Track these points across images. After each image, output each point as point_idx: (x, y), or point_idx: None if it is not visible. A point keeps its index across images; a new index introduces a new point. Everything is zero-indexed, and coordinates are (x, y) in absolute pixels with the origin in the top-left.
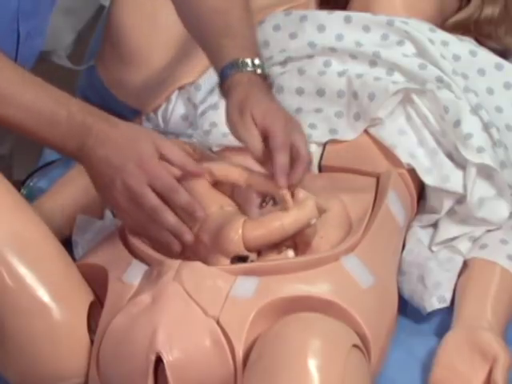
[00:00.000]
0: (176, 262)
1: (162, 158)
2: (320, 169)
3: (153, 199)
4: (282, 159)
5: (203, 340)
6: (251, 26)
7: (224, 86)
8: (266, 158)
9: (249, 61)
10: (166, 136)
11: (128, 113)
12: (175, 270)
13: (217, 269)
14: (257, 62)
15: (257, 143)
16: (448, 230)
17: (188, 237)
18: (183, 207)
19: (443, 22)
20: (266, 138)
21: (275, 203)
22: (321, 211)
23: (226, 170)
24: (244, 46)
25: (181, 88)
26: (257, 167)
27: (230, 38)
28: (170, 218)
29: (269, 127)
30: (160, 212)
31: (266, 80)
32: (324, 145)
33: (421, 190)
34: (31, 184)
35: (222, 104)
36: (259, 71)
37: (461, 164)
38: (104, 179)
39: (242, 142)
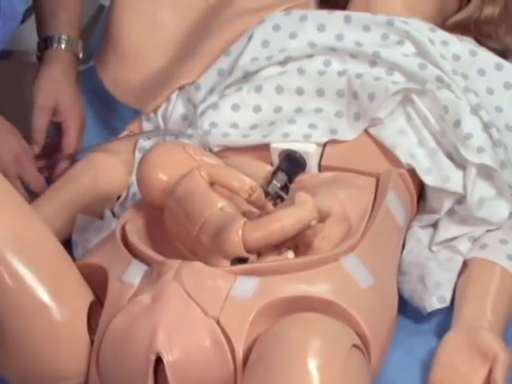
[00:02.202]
0: (176, 262)
1: None
2: (320, 169)
3: None
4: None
5: (203, 340)
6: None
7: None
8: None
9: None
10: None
11: (128, 113)
12: (175, 270)
13: (217, 269)
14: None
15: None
16: (448, 230)
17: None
18: None
19: (443, 22)
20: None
21: (275, 204)
22: (322, 214)
23: (227, 176)
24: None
25: (181, 88)
26: (257, 167)
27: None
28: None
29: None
30: None
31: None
32: (324, 145)
33: (421, 190)
34: None
35: (222, 104)
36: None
37: (461, 164)
38: None
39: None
